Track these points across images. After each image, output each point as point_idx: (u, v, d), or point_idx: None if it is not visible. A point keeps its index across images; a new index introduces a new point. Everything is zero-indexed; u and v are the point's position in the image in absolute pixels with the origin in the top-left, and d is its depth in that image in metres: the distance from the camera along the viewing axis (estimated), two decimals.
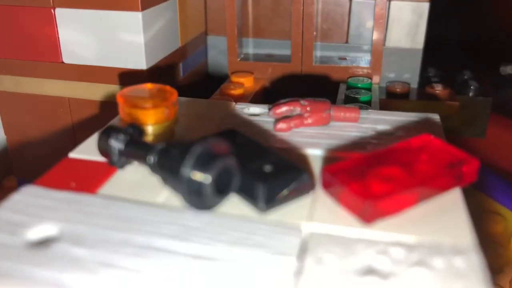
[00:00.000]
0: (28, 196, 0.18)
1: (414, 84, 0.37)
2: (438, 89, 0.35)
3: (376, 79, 0.35)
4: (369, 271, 0.14)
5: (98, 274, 0.14)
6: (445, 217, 0.16)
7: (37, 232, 0.16)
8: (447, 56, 0.43)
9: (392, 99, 0.34)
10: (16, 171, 0.36)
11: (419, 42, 0.36)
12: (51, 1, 0.30)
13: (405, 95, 0.35)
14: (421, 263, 0.14)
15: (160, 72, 0.32)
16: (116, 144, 0.19)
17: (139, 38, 0.30)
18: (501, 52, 0.46)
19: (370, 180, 0.17)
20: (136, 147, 0.18)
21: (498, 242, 0.29)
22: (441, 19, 0.39)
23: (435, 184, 0.17)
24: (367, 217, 0.16)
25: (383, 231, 0.16)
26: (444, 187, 0.18)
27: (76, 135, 0.33)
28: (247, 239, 0.15)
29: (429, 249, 0.15)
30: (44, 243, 0.15)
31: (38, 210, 0.17)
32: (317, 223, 0.16)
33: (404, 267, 0.14)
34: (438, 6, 0.36)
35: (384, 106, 0.32)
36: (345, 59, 0.37)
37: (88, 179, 0.19)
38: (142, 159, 0.18)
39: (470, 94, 0.36)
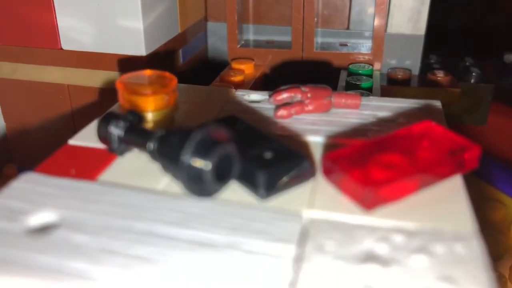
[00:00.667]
0: (28, 183, 0.18)
1: (416, 71, 0.36)
2: (440, 75, 0.35)
3: (377, 65, 0.35)
4: (370, 258, 0.14)
5: (98, 261, 0.14)
6: (446, 204, 0.16)
7: (37, 219, 0.16)
8: (449, 43, 0.43)
9: (393, 85, 0.34)
10: (15, 158, 0.36)
11: (421, 28, 0.35)
12: None
13: (406, 82, 0.35)
14: (422, 250, 0.14)
15: (159, 59, 0.32)
16: (116, 131, 0.19)
17: (138, 24, 0.29)
18: (504, 39, 0.46)
19: (371, 167, 0.17)
20: (136, 134, 0.18)
21: (498, 229, 0.29)
22: (443, 5, 0.39)
23: (436, 171, 0.17)
24: (368, 204, 0.16)
25: (383, 218, 0.16)
26: (445, 174, 0.18)
27: (75, 122, 0.33)
28: (247, 226, 0.15)
29: (429, 235, 0.15)
30: (44, 230, 0.15)
31: (38, 197, 0.17)
32: (318, 210, 0.16)
33: (404, 253, 0.14)
34: None
35: (386, 92, 0.32)
36: (346, 45, 0.36)
37: (88, 166, 0.19)
38: (142, 146, 0.18)
39: (472, 81, 0.36)
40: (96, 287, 0.13)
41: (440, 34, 0.40)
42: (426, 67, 0.37)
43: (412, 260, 0.14)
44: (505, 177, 0.33)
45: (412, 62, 0.36)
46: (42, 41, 0.31)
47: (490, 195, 0.32)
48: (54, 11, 0.30)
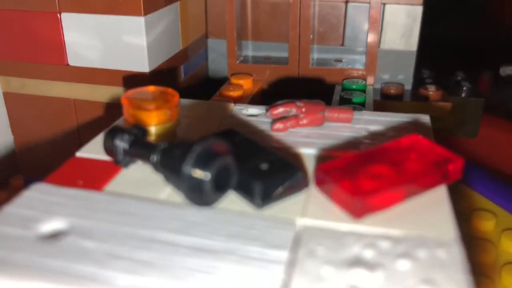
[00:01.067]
0: (39, 193, 0.19)
1: (408, 86, 0.37)
2: (431, 90, 0.36)
3: (370, 80, 0.36)
4: (357, 262, 0.15)
5: (105, 265, 0.15)
6: (430, 212, 0.17)
7: (48, 226, 0.17)
8: (442, 58, 0.44)
9: (386, 100, 0.35)
10: (22, 170, 0.37)
11: (413, 44, 0.37)
12: (58, 6, 0.31)
13: (399, 97, 0.36)
14: (406, 255, 0.15)
15: (162, 75, 0.33)
16: (121, 144, 0.20)
17: (142, 42, 0.30)
18: (498, 53, 0.47)
19: (360, 178, 0.18)
20: (140, 146, 0.19)
21: (488, 239, 0.30)
22: (435, 21, 0.40)
23: (422, 181, 0.18)
24: (357, 212, 0.17)
25: (371, 225, 0.17)
26: (430, 185, 0.19)
27: (81, 136, 0.34)
28: (244, 233, 0.16)
29: (414, 241, 0.16)
30: (54, 236, 0.16)
31: (49, 206, 0.18)
32: (310, 218, 0.17)
33: (390, 258, 0.15)
34: (433, 8, 0.37)
35: (379, 107, 0.33)
36: (341, 61, 0.38)
37: (94, 177, 0.20)
38: (145, 158, 0.19)
39: (463, 95, 0.37)
40: None
41: (433, 49, 0.41)
42: (418, 82, 0.38)
43: (396, 264, 0.15)
44: (495, 188, 0.34)
45: (405, 77, 0.37)
46: (50, 57, 0.32)
47: (481, 205, 0.33)
48: (62, 28, 0.31)
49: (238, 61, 0.38)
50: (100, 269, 0.15)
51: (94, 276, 0.14)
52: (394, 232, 0.16)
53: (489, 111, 0.38)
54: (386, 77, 0.37)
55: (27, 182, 0.19)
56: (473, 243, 0.29)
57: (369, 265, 0.15)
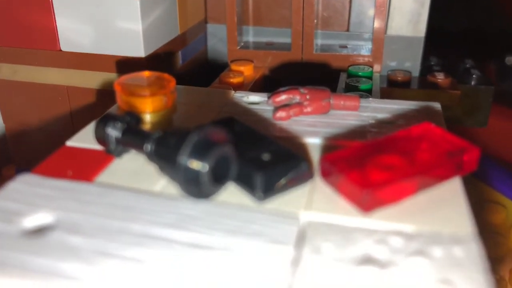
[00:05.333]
0: (24, 184, 0.18)
1: (416, 73, 0.36)
2: (440, 77, 0.35)
3: (377, 67, 0.34)
4: (367, 260, 0.14)
5: (94, 263, 0.14)
6: (445, 206, 0.16)
7: (32, 220, 0.16)
8: (450, 45, 0.42)
9: (393, 87, 0.34)
10: (15, 160, 0.36)
11: (421, 30, 0.35)
12: None
13: (406, 84, 0.34)
14: (420, 252, 0.14)
15: (158, 60, 0.32)
16: (113, 132, 0.19)
17: (137, 26, 0.29)
18: (505, 41, 0.46)
19: (369, 169, 0.17)
20: (133, 135, 0.18)
21: (498, 231, 0.29)
22: (444, 7, 0.39)
23: (435, 173, 0.17)
24: (366, 206, 0.16)
25: (381, 220, 0.16)
26: (444, 176, 0.18)
27: (74, 124, 0.33)
28: (244, 228, 0.15)
29: (428, 238, 0.15)
30: (39, 231, 0.15)
31: (34, 199, 0.17)
32: (316, 212, 0.16)
33: (402, 256, 0.14)
34: None
35: (385, 94, 0.32)
36: (346, 47, 0.36)
37: (85, 168, 0.19)
38: (139, 147, 0.18)
39: (472, 83, 0.36)
40: None
41: (441, 36, 0.40)
42: (426, 69, 0.37)
43: (410, 263, 0.14)
44: (505, 180, 0.33)
45: (412, 64, 0.36)
46: (41, 42, 0.31)
47: (490, 197, 0.32)
48: (53, 12, 0.30)
49: (238, 47, 0.36)
50: (88, 267, 0.14)
51: (81, 275, 0.13)
52: (406, 227, 0.15)
53: (496, 100, 0.37)
54: (393, 64, 0.36)
55: (20, 173, 0.18)
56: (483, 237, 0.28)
57: (380, 264, 0.14)
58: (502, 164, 0.34)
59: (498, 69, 0.45)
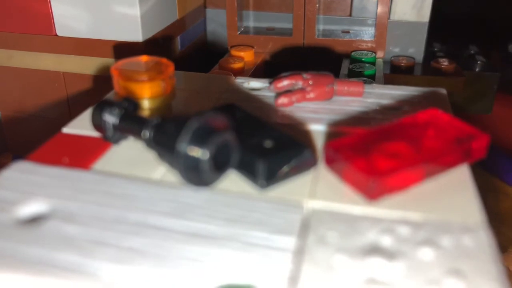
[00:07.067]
0: (19, 172, 0.17)
1: (419, 59, 0.35)
2: (444, 63, 0.34)
3: (380, 53, 0.34)
4: (374, 250, 0.13)
5: (90, 253, 0.13)
6: (453, 194, 0.16)
7: (27, 209, 0.15)
8: (454, 31, 0.42)
9: (396, 73, 0.33)
10: (11, 147, 0.36)
11: (425, 15, 0.35)
12: None
13: (410, 70, 0.34)
14: (428, 242, 0.14)
15: (157, 45, 0.31)
16: (110, 118, 0.18)
17: (135, 9, 0.28)
18: (508, 28, 0.45)
19: (375, 156, 0.16)
20: (131, 121, 0.18)
21: (502, 221, 0.28)
22: None
23: (442, 160, 0.17)
24: (372, 194, 0.15)
25: (388, 208, 0.15)
26: (451, 164, 0.17)
27: (71, 110, 0.32)
28: (246, 217, 0.15)
29: (436, 227, 0.14)
30: (34, 220, 0.15)
31: (29, 187, 0.16)
32: (320, 201, 0.16)
33: (410, 246, 0.14)
34: None
35: (389, 81, 0.31)
36: (349, 32, 0.36)
37: (81, 155, 0.18)
38: (137, 134, 0.17)
39: (477, 69, 0.35)
40: (87, 281, 0.12)
41: (445, 22, 0.39)
42: (429, 55, 0.36)
43: (418, 253, 0.13)
44: (510, 168, 0.32)
45: (416, 50, 0.35)
46: (37, 27, 0.31)
47: (494, 186, 0.31)
48: None
49: (238, 32, 0.36)
50: (84, 258, 0.13)
51: (77, 267, 0.13)
52: (414, 216, 0.15)
53: (500, 88, 0.36)
54: (396, 50, 0.35)
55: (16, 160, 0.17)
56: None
57: (388, 254, 0.13)
58: (506, 152, 0.34)
59: (503, 57, 0.44)
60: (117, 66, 0.21)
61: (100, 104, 0.18)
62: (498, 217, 0.29)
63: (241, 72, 0.31)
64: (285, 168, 0.16)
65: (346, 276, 0.13)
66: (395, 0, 0.34)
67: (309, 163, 0.17)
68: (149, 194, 0.16)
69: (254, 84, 0.24)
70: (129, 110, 0.18)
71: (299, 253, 0.13)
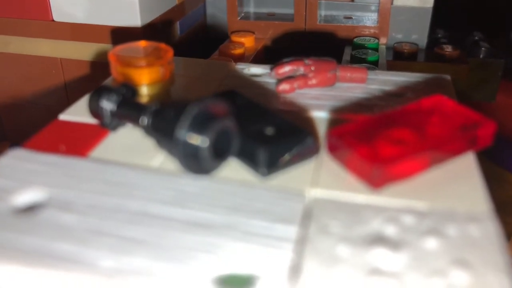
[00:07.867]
0: (15, 160, 0.17)
1: (423, 45, 0.35)
2: (448, 50, 0.33)
3: (383, 39, 0.33)
4: (378, 240, 0.13)
5: (88, 243, 0.13)
6: (458, 182, 0.16)
7: (24, 198, 0.15)
8: (457, 17, 0.41)
9: (399, 60, 0.33)
10: (9, 135, 0.35)
11: (429, 1, 0.34)
12: None
13: (413, 56, 0.33)
14: (433, 231, 0.13)
15: (156, 31, 0.31)
16: (108, 105, 0.18)
17: None
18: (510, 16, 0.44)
19: (379, 143, 0.16)
20: (129, 108, 0.17)
21: (504, 210, 0.28)
22: None
23: (447, 148, 0.16)
24: (376, 182, 0.15)
25: (392, 197, 0.15)
26: (457, 151, 0.17)
27: (69, 97, 0.32)
28: (247, 206, 0.14)
29: (441, 216, 0.14)
30: (31, 209, 0.14)
31: (25, 175, 0.16)
32: (322, 189, 0.15)
33: (415, 235, 0.13)
34: None
35: (391, 67, 0.31)
36: (351, 18, 0.35)
37: (78, 142, 0.18)
38: (135, 120, 0.17)
39: (481, 56, 0.34)
40: (85, 271, 0.12)
41: (449, 7, 0.38)
42: (433, 41, 0.36)
43: (423, 243, 0.13)
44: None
45: (419, 36, 0.35)
46: (33, 12, 0.30)
47: (496, 174, 0.31)
48: None
49: (239, 18, 0.35)
50: (81, 248, 0.13)
51: (74, 256, 0.13)
52: (419, 205, 0.15)
53: (504, 76, 0.36)
54: (399, 36, 0.35)
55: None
56: None
57: (392, 244, 0.13)
58: (508, 141, 0.33)
59: (507, 43, 0.43)
60: (115, 52, 0.21)
61: (97, 90, 0.18)
62: (502, 206, 0.28)
63: (241, 58, 0.31)
64: (286, 156, 0.16)
65: (349, 266, 0.12)
66: None
67: (311, 151, 0.17)
68: (148, 182, 0.16)
69: (255, 70, 0.24)
70: (127, 96, 0.18)
71: (301, 243, 0.13)
